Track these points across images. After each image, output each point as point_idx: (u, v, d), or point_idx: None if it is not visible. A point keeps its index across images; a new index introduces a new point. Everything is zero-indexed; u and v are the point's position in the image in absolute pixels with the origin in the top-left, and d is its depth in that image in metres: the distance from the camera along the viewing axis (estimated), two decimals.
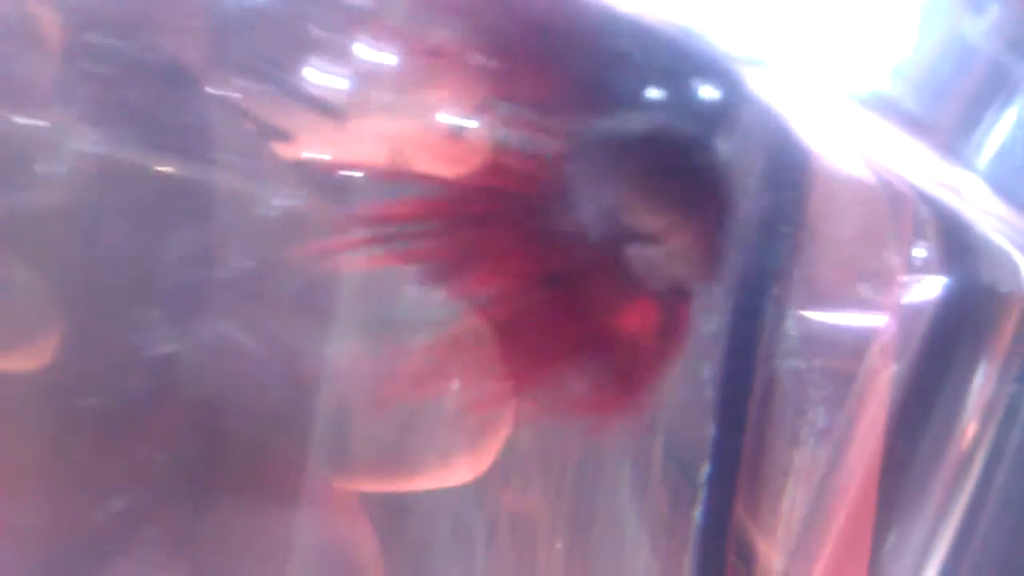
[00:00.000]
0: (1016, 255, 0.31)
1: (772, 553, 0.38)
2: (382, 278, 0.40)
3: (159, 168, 0.38)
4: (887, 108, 0.28)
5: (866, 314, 0.35)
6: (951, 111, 0.28)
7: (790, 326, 0.35)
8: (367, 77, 0.38)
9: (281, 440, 0.39)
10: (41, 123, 0.37)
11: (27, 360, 0.36)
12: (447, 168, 0.40)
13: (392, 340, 0.40)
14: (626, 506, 0.40)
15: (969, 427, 0.36)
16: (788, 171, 0.33)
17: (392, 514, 0.40)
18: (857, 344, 0.35)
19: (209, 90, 0.38)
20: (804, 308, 0.35)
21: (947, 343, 0.34)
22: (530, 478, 0.40)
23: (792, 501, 0.37)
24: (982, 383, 0.35)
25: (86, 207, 0.37)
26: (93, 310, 0.37)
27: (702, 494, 0.38)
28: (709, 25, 0.28)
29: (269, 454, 0.39)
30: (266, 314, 0.38)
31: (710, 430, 0.37)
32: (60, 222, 0.37)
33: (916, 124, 0.28)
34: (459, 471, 0.39)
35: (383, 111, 0.39)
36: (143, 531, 0.38)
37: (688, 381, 0.36)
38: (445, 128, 0.38)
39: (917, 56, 0.27)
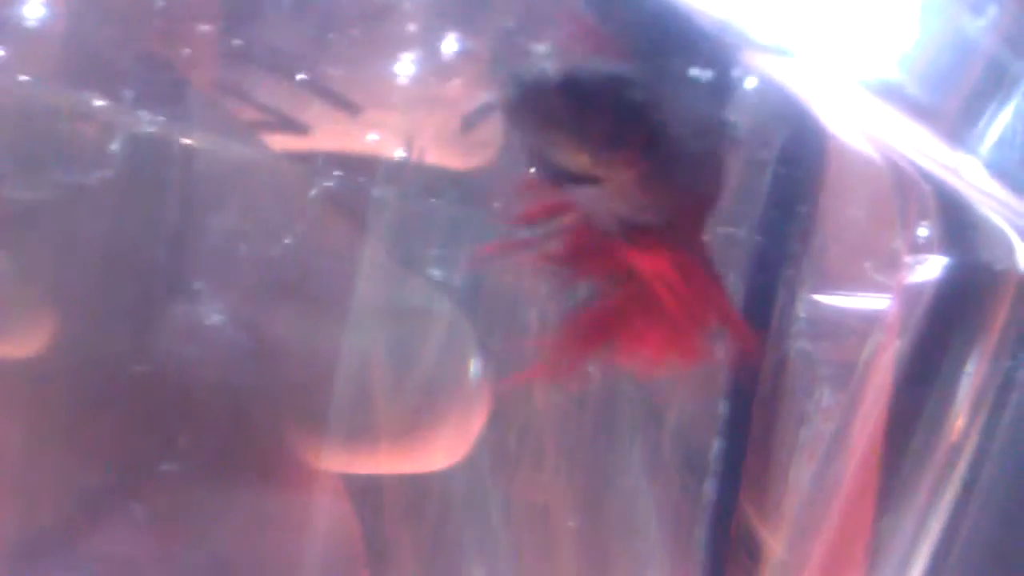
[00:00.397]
0: (1012, 235, 0.34)
1: (776, 530, 0.41)
2: (390, 269, 0.43)
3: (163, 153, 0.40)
4: (894, 95, 0.31)
5: (873, 295, 0.38)
6: (953, 101, 0.31)
7: (800, 308, 0.38)
8: (381, 69, 0.41)
9: (264, 419, 0.41)
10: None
11: (24, 345, 0.38)
12: (458, 160, 0.42)
13: (401, 328, 0.42)
14: (638, 485, 0.43)
15: (966, 401, 0.39)
16: (805, 152, 0.36)
17: (411, 497, 0.42)
18: (863, 325, 0.38)
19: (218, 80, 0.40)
20: (814, 291, 0.38)
21: (946, 319, 0.37)
22: (544, 459, 0.42)
23: (798, 477, 0.40)
24: (979, 357, 0.38)
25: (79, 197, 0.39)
26: (92, 297, 0.39)
27: (713, 470, 0.41)
28: (733, 15, 0.31)
29: (255, 438, 0.40)
30: (264, 299, 0.41)
31: (721, 409, 0.40)
32: (59, 210, 0.39)
33: (921, 111, 0.31)
34: (440, 454, 0.42)
35: (398, 104, 0.41)
36: (129, 505, 0.40)
37: (699, 360, 0.39)
38: (457, 121, 0.41)
39: (921, 49, 0.31)
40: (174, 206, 0.40)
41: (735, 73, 0.36)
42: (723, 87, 0.36)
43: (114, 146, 0.39)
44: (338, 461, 0.41)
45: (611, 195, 0.34)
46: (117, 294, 0.39)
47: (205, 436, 0.39)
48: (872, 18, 0.31)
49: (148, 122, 0.39)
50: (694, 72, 0.36)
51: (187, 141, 0.40)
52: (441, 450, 0.41)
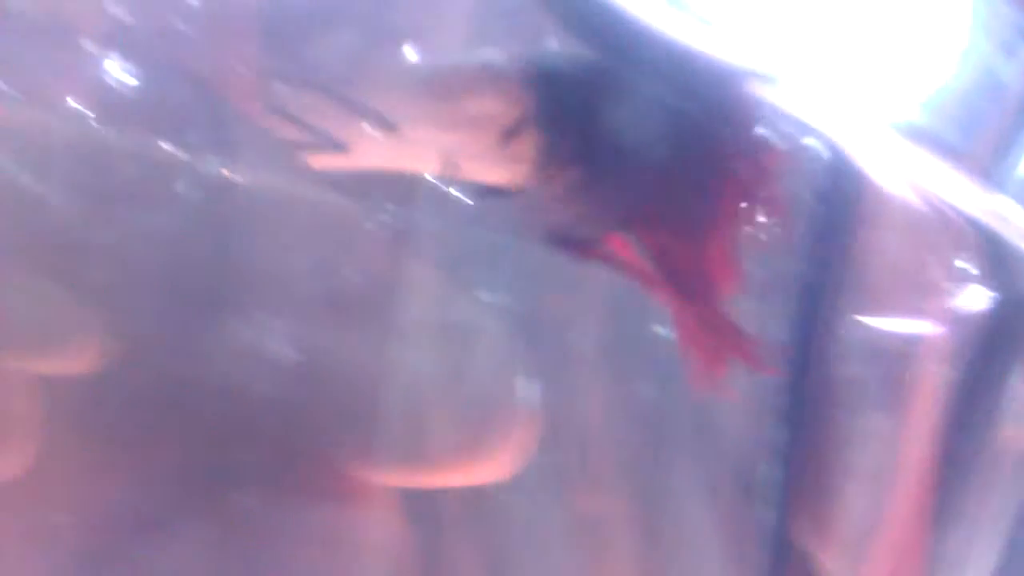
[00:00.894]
0: None
1: (831, 554, 0.43)
2: (440, 288, 0.45)
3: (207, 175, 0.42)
4: (925, 138, 0.34)
5: (916, 321, 0.41)
6: (985, 141, 0.34)
7: (847, 332, 0.40)
8: (417, 87, 0.43)
9: (318, 438, 0.43)
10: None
11: (75, 362, 0.40)
12: (495, 174, 0.44)
13: (451, 346, 0.44)
14: (695, 507, 0.45)
15: (1014, 423, 0.41)
16: (843, 188, 0.38)
17: (466, 514, 0.45)
18: (908, 350, 0.40)
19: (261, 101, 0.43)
20: (860, 315, 0.40)
21: (987, 350, 0.39)
22: (600, 479, 0.45)
23: (852, 500, 0.42)
24: (1020, 388, 0.40)
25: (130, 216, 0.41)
26: (143, 315, 0.41)
27: (768, 494, 0.43)
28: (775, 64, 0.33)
29: (307, 453, 0.43)
30: (317, 318, 0.43)
31: (772, 433, 0.42)
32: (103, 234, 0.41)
33: (952, 153, 0.34)
34: (489, 469, 0.43)
35: (434, 120, 0.44)
36: (186, 524, 0.42)
37: (750, 385, 0.41)
38: (493, 136, 0.43)
39: (952, 92, 0.33)
40: (227, 230, 0.43)
41: (732, 100, 0.37)
42: (709, 110, 0.36)
43: (171, 182, 0.42)
44: (391, 476, 0.43)
45: (542, 205, 0.34)
46: (171, 315, 0.42)
47: (261, 455, 0.41)
48: (902, 62, 0.34)
49: (202, 155, 0.42)
50: (667, 88, 0.37)
51: (237, 170, 0.43)
52: (490, 465, 0.44)
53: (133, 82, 0.40)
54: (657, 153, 0.36)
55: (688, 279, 0.38)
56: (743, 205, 0.37)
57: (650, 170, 0.36)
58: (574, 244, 0.38)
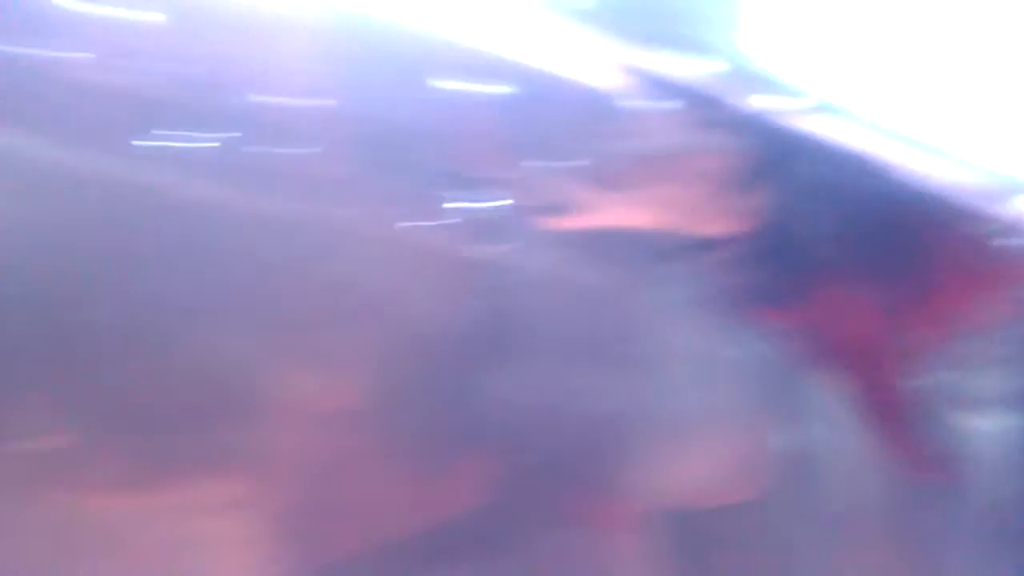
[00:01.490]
0: None
1: None
2: (690, 341, 0.47)
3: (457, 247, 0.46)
4: None
5: None
6: None
7: None
8: (636, 148, 0.47)
9: (576, 471, 0.44)
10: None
11: (345, 397, 0.42)
12: (716, 227, 0.47)
13: (699, 390, 0.45)
14: (952, 554, 0.43)
15: None
16: None
17: (723, 547, 0.43)
18: None
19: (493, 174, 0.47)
20: None
21: None
22: (856, 522, 0.43)
23: None
24: None
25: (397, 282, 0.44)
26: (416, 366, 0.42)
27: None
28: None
29: (565, 485, 0.43)
30: (574, 365, 0.45)
31: None
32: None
33: None
34: (729, 492, 0.50)
35: (654, 178, 0.47)
36: (450, 557, 0.42)
37: (1001, 462, 0.41)
38: (713, 190, 0.46)
39: None
40: (500, 301, 0.45)
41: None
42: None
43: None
44: (649, 502, 0.49)
45: (716, 267, 0.38)
46: (443, 368, 0.47)
47: (535, 491, 0.46)
48: None
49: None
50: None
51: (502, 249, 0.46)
52: (735, 494, 0.43)
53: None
54: (861, 233, 0.40)
55: (860, 359, 0.41)
56: (962, 298, 0.40)
57: (849, 248, 0.40)
58: (760, 304, 0.42)
